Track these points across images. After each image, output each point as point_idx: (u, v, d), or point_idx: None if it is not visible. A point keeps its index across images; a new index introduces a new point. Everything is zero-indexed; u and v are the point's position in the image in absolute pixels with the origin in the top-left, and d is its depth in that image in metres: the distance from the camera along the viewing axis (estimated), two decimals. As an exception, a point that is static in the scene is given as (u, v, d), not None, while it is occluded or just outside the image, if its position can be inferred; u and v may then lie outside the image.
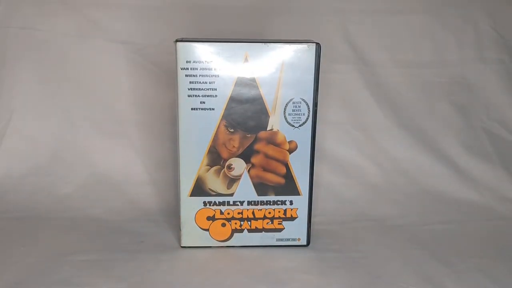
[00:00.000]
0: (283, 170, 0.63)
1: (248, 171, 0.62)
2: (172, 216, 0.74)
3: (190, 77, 0.59)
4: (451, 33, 0.87)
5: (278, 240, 0.65)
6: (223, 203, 0.63)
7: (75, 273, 0.58)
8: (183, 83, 0.59)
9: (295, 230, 0.65)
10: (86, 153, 0.83)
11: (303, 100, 0.60)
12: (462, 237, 0.70)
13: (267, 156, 0.62)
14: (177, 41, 0.58)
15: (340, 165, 0.86)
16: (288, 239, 0.65)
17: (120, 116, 0.84)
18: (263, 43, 0.58)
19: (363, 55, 0.86)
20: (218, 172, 0.62)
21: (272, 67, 0.59)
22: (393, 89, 0.87)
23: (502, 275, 0.60)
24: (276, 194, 0.63)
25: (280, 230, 0.65)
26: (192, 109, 0.60)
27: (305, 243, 0.66)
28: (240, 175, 0.63)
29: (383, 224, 0.74)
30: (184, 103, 0.60)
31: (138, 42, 0.82)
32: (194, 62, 0.58)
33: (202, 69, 0.59)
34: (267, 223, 0.64)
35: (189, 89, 0.59)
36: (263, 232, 0.65)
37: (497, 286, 0.58)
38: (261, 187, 0.63)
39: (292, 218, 0.64)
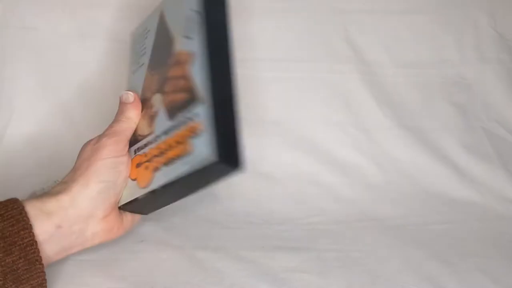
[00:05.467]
0: (185, 84, 0.55)
1: (163, 101, 0.58)
2: (172, 215, 0.74)
3: None
4: (451, 33, 0.87)
5: (190, 166, 0.51)
6: (146, 144, 0.59)
7: (75, 273, 0.58)
8: None
9: (204, 146, 0.49)
10: (86, 153, 0.83)
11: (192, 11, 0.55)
12: (462, 237, 0.70)
13: (171, 78, 0.58)
14: None
15: (340, 165, 0.86)
16: (199, 160, 0.50)
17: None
18: None
19: (363, 55, 0.86)
20: (144, 115, 0.61)
21: None
22: (393, 89, 0.87)
23: (502, 275, 0.60)
24: (183, 112, 0.54)
25: (191, 153, 0.52)
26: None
27: (216, 158, 0.48)
28: (158, 110, 0.59)
29: (383, 224, 0.74)
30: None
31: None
32: None
33: None
34: (180, 150, 0.53)
35: None
36: (177, 161, 0.53)
37: (497, 286, 0.58)
38: (171, 112, 0.56)
39: (199, 134, 0.51)
